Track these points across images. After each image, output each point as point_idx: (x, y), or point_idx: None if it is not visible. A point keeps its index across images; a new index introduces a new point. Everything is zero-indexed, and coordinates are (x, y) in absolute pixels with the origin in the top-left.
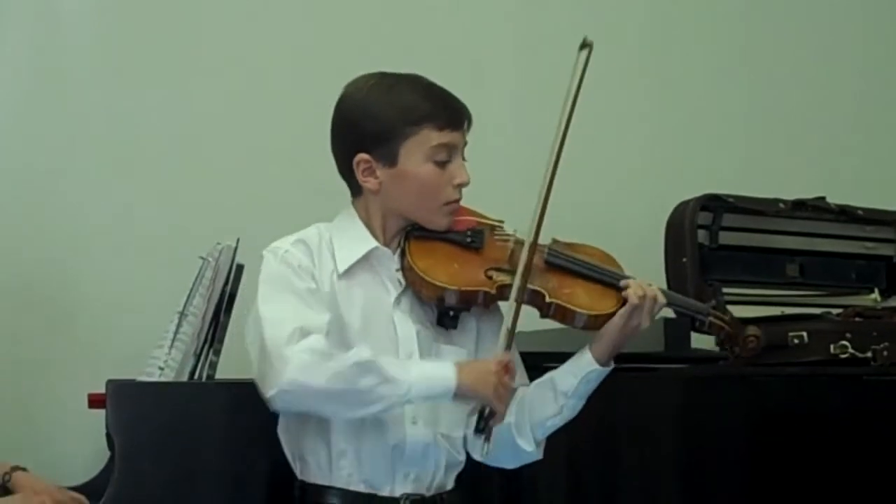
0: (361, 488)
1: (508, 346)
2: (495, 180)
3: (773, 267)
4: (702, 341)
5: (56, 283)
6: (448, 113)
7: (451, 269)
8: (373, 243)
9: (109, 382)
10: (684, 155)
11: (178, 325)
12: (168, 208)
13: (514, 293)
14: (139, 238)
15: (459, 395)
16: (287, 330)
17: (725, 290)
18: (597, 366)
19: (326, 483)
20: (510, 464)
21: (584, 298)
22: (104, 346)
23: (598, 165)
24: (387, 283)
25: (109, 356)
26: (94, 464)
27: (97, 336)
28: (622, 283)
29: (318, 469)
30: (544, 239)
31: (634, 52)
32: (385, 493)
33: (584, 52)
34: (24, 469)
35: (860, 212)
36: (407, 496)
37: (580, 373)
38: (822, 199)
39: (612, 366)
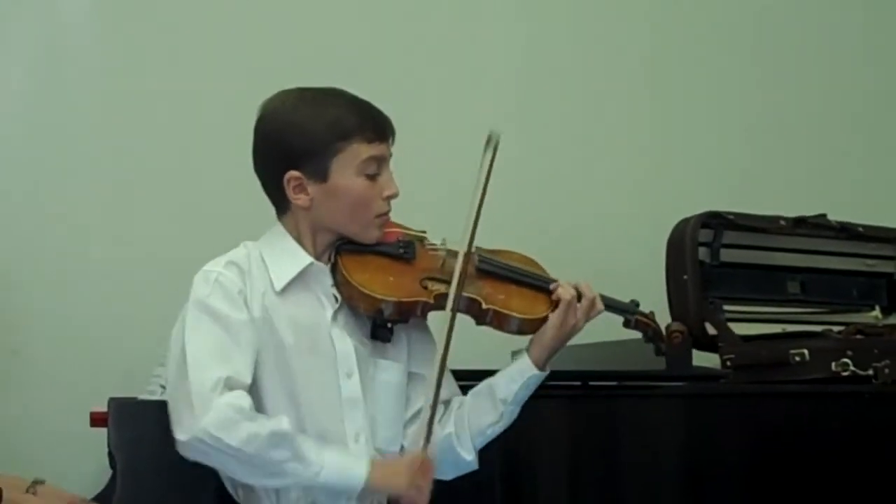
0: None
1: (427, 441)
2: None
3: (774, 284)
4: (703, 360)
5: (57, 301)
6: (376, 125)
7: (387, 281)
8: (307, 259)
9: (111, 401)
10: (685, 172)
11: None
12: (170, 226)
13: (450, 302)
14: (142, 255)
15: (369, 491)
16: (213, 376)
17: (727, 307)
18: (536, 370)
19: None
20: (448, 475)
21: (518, 303)
22: (106, 364)
23: (600, 183)
24: (322, 300)
25: (111, 374)
26: (97, 482)
27: (99, 354)
28: (552, 285)
29: (263, 494)
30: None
31: (635, 71)
32: None
33: (491, 147)
34: (43, 482)
35: (861, 229)
36: None
37: (520, 378)
38: (823, 216)
39: (549, 370)
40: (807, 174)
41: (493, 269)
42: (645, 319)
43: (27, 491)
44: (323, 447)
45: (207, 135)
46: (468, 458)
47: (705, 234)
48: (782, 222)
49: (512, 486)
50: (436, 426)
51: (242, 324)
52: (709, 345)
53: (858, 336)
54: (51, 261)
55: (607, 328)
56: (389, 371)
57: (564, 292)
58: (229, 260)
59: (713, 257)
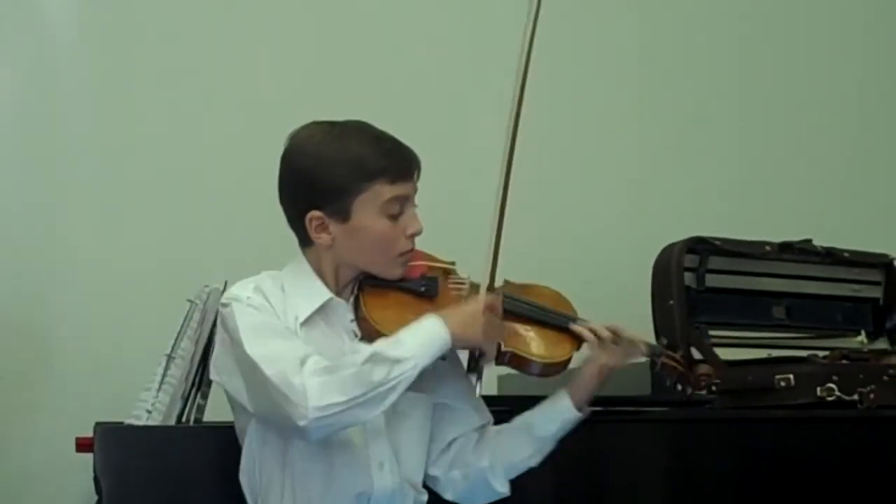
0: None
1: (490, 289)
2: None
3: (759, 309)
4: None
5: (43, 325)
6: (400, 165)
7: (406, 320)
8: (327, 295)
9: (97, 425)
10: (671, 197)
11: (166, 368)
12: (156, 251)
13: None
14: (127, 280)
15: (455, 345)
16: (287, 363)
17: (712, 332)
18: (576, 412)
19: None
20: (480, 502)
21: (539, 346)
22: (92, 389)
23: (585, 208)
24: (342, 334)
25: (97, 399)
26: None
27: (85, 379)
28: (572, 327)
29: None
30: (498, 282)
31: (623, 94)
32: None
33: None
34: None
35: (846, 254)
36: None
37: (559, 420)
38: (809, 241)
39: (589, 412)
40: (793, 200)
41: (516, 308)
42: (672, 362)
43: None
44: (398, 340)
45: (196, 176)
46: (501, 489)
47: (691, 260)
48: (768, 248)
49: None
50: (498, 270)
51: (287, 328)
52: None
53: (844, 361)
54: (34, 285)
55: None
56: (413, 403)
57: (588, 335)
58: (256, 286)
59: (699, 282)
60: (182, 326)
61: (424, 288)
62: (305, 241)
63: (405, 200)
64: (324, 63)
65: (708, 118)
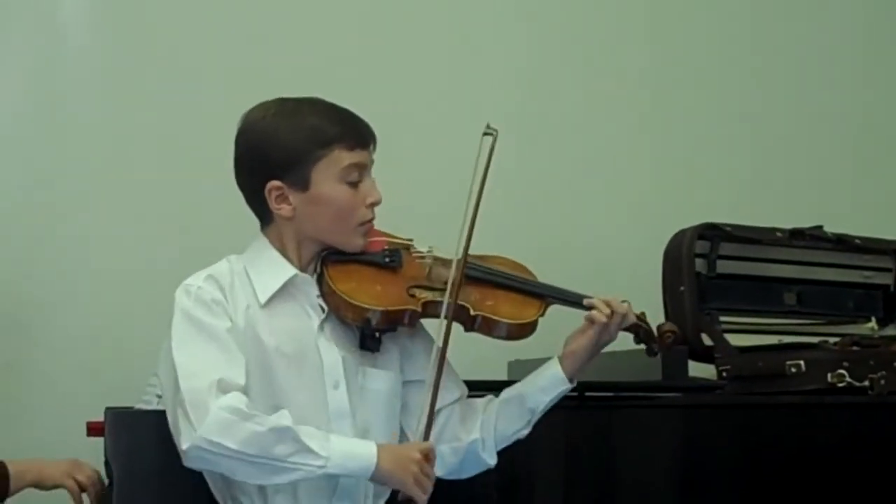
0: None
1: (428, 434)
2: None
3: (770, 296)
4: (699, 371)
5: (53, 311)
6: (356, 132)
7: (373, 290)
8: (292, 271)
9: (108, 410)
10: (682, 184)
11: None
12: (168, 234)
13: (444, 310)
14: (136, 265)
15: (377, 478)
16: (205, 382)
17: (723, 318)
18: (568, 384)
19: None
20: (468, 475)
21: (506, 308)
22: (102, 374)
23: (597, 195)
24: (308, 311)
25: (108, 384)
26: None
27: (95, 364)
28: (586, 302)
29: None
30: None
31: (633, 82)
32: None
33: (489, 140)
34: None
35: (857, 241)
36: None
37: (552, 391)
38: (820, 227)
39: (575, 383)
40: (804, 186)
41: (481, 274)
42: (636, 320)
43: None
44: (327, 437)
45: (206, 158)
46: (491, 461)
47: (702, 246)
48: (779, 234)
49: (508, 497)
50: (436, 419)
51: (227, 331)
52: (705, 356)
53: (854, 347)
54: (47, 272)
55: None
56: (379, 380)
57: (599, 315)
58: (209, 274)
59: (710, 269)
60: None
61: (389, 259)
62: (266, 219)
63: (363, 169)
64: (335, 56)
65: (719, 105)
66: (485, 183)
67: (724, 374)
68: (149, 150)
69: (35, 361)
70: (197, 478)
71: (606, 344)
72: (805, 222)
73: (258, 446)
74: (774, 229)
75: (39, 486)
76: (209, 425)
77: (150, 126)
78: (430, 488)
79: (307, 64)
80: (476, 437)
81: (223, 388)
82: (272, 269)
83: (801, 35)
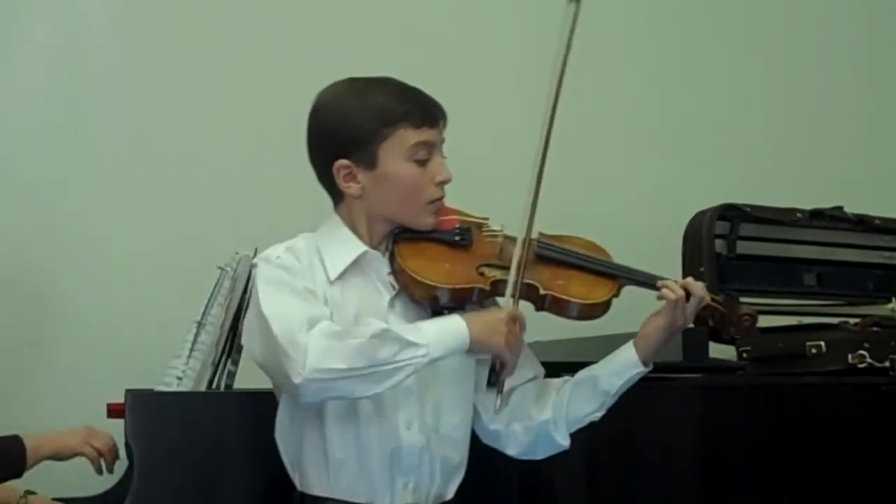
0: (362, 500)
1: (516, 302)
2: (481, 179)
3: (790, 276)
4: (720, 351)
5: (75, 292)
6: (423, 111)
7: (442, 268)
8: (362, 247)
9: (128, 392)
10: (702, 165)
11: (197, 335)
12: (186, 218)
13: (509, 288)
14: (157, 247)
15: (473, 348)
16: (296, 322)
17: (743, 299)
18: (642, 367)
19: (326, 494)
20: (542, 455)
21: (577, 288)
22: (123, 355)
23: (617, 176)
24: (379, 287)
25: (128, 366)
26: (114, 473)
27: (116, 346)
28: (658, 283)
29: (318, 480)
30: (532, 234)
31: (651, 64)
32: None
33: (573, 6)
34: (35, 493)
35: (878, 221)
36: None
37: (626, 374)
38: (840, 208)
39: (652, 365)
40: (824, 166)
41: (553, 254)
42: (714, 304)
43: (18, 501)
44: (417, 326)
45: (226, 144)
46: (563, 442)
47: (722, 227)
48: (799, 214)
49: (528, 476)
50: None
51: (309, 291)
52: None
53: (875, 328)
54: (68, 254)
55: (624, 319)
56: (448, 360)
57: (669, 293)
58: (287, 246)
59: (730, 249)
60: (212, 293)
61: (459, 237)
62: (336, 197)
63: (431, 147)
64: (357, 29)
65: (739, 85)
66: (567, 55)
67: (745, 354)
68: (169, 139)
69: (57, 342)
70: (217, 461)
71: (681, 327)
72: (825, 203)
73: (365, 357)
74: (794, 210)
75: (58, 456)
76: (312, 355)
77: (170, 116)
78: (518, 350)
79: (333, 49)
80: (548, 416)
81: (312, 323)
82: (343, 245)
83: (820, 13)
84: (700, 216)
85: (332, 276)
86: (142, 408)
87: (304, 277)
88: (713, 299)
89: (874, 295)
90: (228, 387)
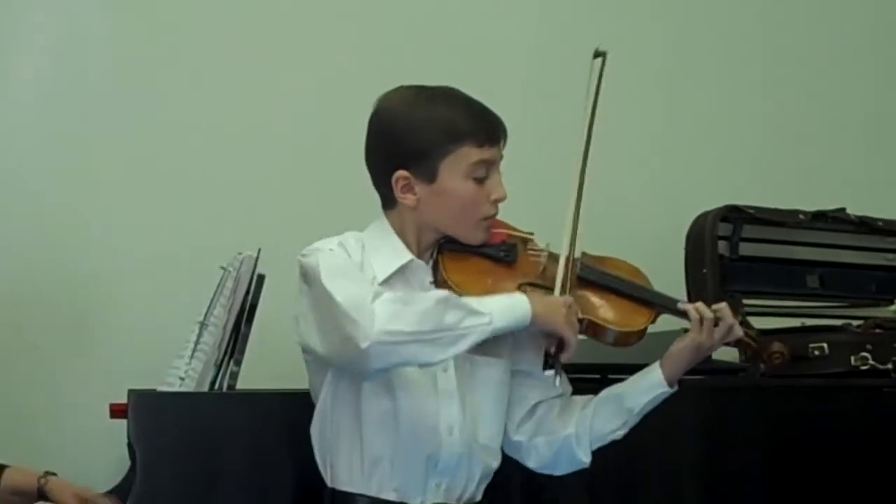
0: (392, 497)
1: (565, 291)
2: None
3: (793, 278)
4: (722, 353)
5: (77, 293)
6: (487, 129)
7: (484, 284)
8: (408, 256)
9: (130, 392)
10: (704, 166)
11: (199, 336)
12: (189, 218)
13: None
14: (160, 248)
15: (536, 323)
16: (361, 292)
17: (745, 301)
18: (667, 387)
19: (357, 491)
20: (561, 471)
21: (615, 314)
22: (125, 356)
23: (619, 177)
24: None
25: (130, 366)
26: (116, 473)
27: (118, 346)
28: (680, 306)
29: (350, 477)
30: (576, 254)
31: (653, 64)
32: (416, 502)
33: (598, 61)
34: (55, 475)
35: (880, 223)
36: None
37: (651, 393)
38: (843, 210)
39: (677, 387)
40: (827, 168)
41: (594, 277)
42: (746, 338)
43: (38, 481)
44: (479, 300)
45: (229, 145)
46: (584, 459)
47: (725, 228)
48: (801, 216)
49: (530, 476)
50: (571, 276)
51: (366, 277)
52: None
53: (878, 330)
54: (70, 255)
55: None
56: (488, 368)
57: (693, 311)
58: (339, 242)
59: (732, 251)
60: (215, 294)
61: (504, 253)
62: (389, 203)
63: (491, 165)
64: (366, 27)
65: (742, 86)
66: (596, 108)
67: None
68: (172, 139)
69: (59, 343)
70: (219, 461)
71: (708, 350)
72: (828, 204)
73: (431, 321)
74: (797, 211)
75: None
76: (380, 317)
77: (173, 116)
78: (576, 333)
79: (332, 60)
80: (571, 431)
81: (377, 293)
82: (390, 251)
83: (824, 15)
84: (703, 218)
85: (379, 279)
86: (144, 408)
87: (359, 269)
88: (746, 334)
89: (877, 297)
90: (231, 387)
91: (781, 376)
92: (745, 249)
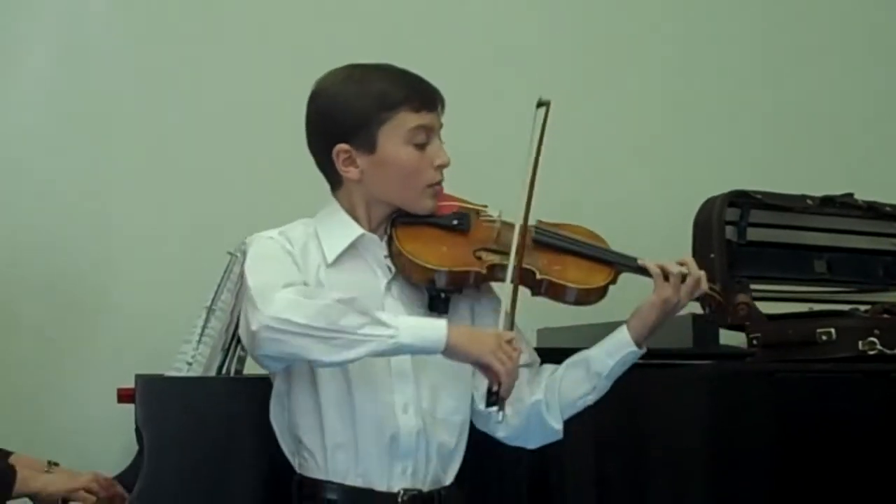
0: (359, 483)
1: (510, 327)
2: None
3: (800, 263)
4: (730, 338)
5: (85, 279)
6: (422, 95)
7: (439, 252)
8: (359, 230)
9: (138, 377)
10: (712, 151)
11: (206, 321)
12: (196, 204)
13: (509, 274)
14: (167, 233)
15: (451, 352)
16: (272, 280)
17: (753, 286)
18: (634, 347)
19: (324, 477)
20: (534, 442)
21: (574, 273)
22: (133, 341)
23: (626, 162)
24: (376, 270)
25: (138, 351)
26: (124, 458)
27: (126, 331)
28: (640, 262)
29: (315, 463)
30: (531, 221)
31: (660, 49)
32: (382, 488)
33: (542, 110)
34: (58, 465)
35: (888, 208)
36: (405, 491)
37: (617, 354)
38: (850, 195)
39: (646, 348)
40: (834, 153)
41: (550, 240)
42: (711, 292)
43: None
44: (396, 315)
45: (235, 130)
46: (556, 426)
47: (732, 213)
48: (809, 201)
49: (538, 462)
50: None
51: (294, 263)
52: (736, 323)
53: (885, 315)
54: (78, 241)
55: (631, 306)
56: (422, 349)
57: (654, 266)
58: (281, 230)
59: (740, 236)
60: (222, 279)
61: (457, 222)
62: (335, 182)
63: (430, 131)
64: (363, 23)
65: (749, 71)
66: (540, 152)
67: (755, 341)
68: (179, 126)
69: (67, 329)
70: (226, 446)
71: (675, 307)
72: (836, 189)
73: (326, 318)
74: (805, 196)
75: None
76: (276, 304)
77: (181, 104)
78: (511, 369)
79: (340, 41)
80: (539, 397)
81: (288, 284)
82: (340, 229)
83: (830, 1)
84: (710, 203)
85: (330, 258)
86: (152, 393)
87: (294, 260)
88: (710, 287)
89: (885, 282)
90: (238, 372)
91: (789, 361)
92: (753, 234)
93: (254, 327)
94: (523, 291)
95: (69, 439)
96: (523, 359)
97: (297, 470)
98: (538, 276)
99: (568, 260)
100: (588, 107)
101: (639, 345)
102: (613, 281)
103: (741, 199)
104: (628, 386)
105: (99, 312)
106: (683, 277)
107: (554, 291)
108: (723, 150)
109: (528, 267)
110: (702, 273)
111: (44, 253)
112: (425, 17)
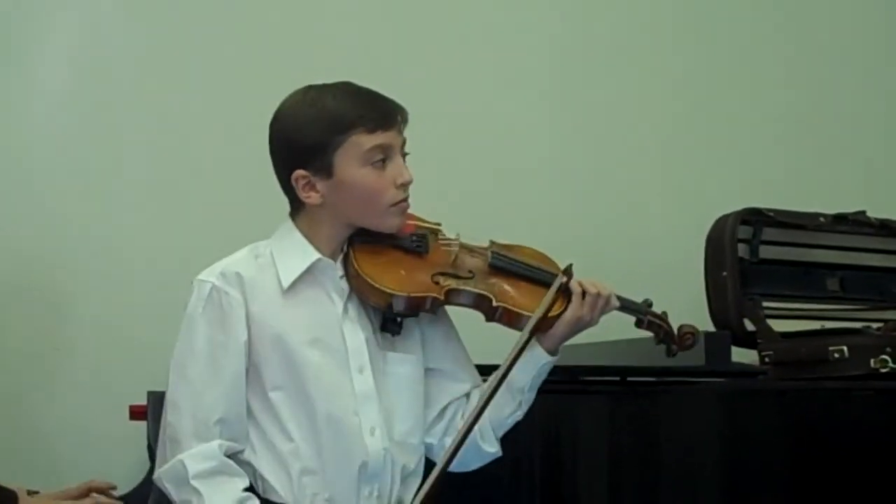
0: None
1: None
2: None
3: (813, 281)
4: (742, 356)
5: (95, 295)
6: (377, 114)
7: (398, 275)
8: (315, 255)
9: (150, 394)
10: (725, 169)
11: None
12: (207, 220)
13: (529, 326)
14: (177, 248)
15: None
16: (187, 422)
17: (766, 304)
18: (549, 357)
19: (290, 502)
20: (472, 465)
21: (530, 301)
22: (145, 357)
23: (639, 180)
24: (332, 295)
25: (150, 368)
26: (136, 474)
27: (137, 348)
28: (572, 284)
29: (281, 488)
30: (482, 242)
31: (673, 66)
32: None
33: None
34: (37, 492)
35: None
36: None
37: (534, 368)
38: (863, 213)
39: (559, 354)
40: (846, 171)
41: (506, 265)
42: (657, 320)
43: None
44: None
45: (244, 130)
46: (491, 450)
47: (745, 231)
48: (822, 219)
49: (551, 481)
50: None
51: (228, 347)
52: (748, 341)
53: None
54: (89, 257)
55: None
56: (401, 364)
57: (576, 285)
58: (223, 270)
59: (752, 254)
60: None
61: (416, 244)
62: (296, 206)
63: (389, 149)
64: (368, 30)
65: (762, 89)
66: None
67: (767, 359)
68: (186, 139)
69: (79, 345)
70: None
71: (587, 324)
72: (848, 207)
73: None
74: (817, 214)
75: None
76: (167, 472)
77: (185, 117)
78: (597, 293)
79: (345, 46)
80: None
81: (201, 434)
82: (297, 253)
83: (844, 17)
84: (723, 220)
85: (286, 283)
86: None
87: (229, 323)
88: (657, 315)
89: None
90: None
91: (801, 378)
92: (766, 252)
93: (154, 474)
94: (476, 316)
95: (81, 456)
96: (465, 387)
97: (262, 494)
98: (494, 303)
99: (522, 286)
100: (601, 124)
101: (552, 353)
102: (565, 307)
103: (754, 217)
104: (641, 405)
105: (110, 329)
106: (597, 297)
107: (509, 319)
108: (735, 168)
109: (484, 293)
110: (612, 293)
111: (56, 269)
112: (430, 22)
